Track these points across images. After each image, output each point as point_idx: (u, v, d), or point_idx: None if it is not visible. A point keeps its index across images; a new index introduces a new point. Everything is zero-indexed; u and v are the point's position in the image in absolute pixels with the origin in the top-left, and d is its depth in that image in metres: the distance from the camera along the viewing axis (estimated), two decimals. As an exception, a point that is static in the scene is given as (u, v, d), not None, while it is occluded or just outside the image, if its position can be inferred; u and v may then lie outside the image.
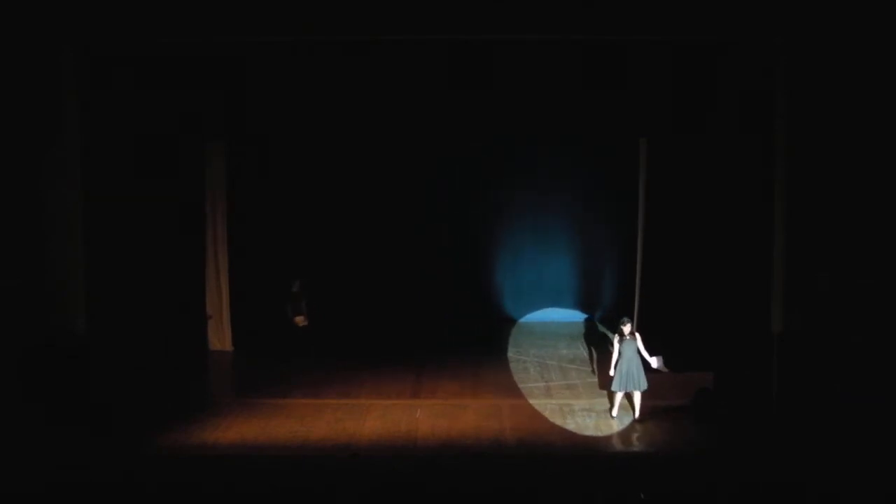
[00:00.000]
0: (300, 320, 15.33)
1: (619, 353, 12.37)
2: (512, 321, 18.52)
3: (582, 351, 16.38)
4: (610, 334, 12.49)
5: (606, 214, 18.05)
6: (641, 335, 12.50)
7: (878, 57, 11.73)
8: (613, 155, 16.65)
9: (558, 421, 12.55)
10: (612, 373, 12.40)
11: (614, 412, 12.63)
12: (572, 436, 12.06)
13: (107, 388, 12.40)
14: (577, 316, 18.51)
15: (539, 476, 10.65)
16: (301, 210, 17.20)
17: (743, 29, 11.98)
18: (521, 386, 14.28)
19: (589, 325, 18.08)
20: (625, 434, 12.14)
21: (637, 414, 12.53)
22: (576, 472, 10.89)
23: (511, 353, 16.33)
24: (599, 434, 12.12)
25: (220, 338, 16.37)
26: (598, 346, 16.08)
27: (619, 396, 12.57)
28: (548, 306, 18.67)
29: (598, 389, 13.88)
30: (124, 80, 12.68)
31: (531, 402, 13.40)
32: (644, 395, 12.48)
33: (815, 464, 10.60)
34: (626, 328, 12.47)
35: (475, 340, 16.95)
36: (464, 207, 18.24)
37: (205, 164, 15.21)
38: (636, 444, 11.90)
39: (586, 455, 11.48)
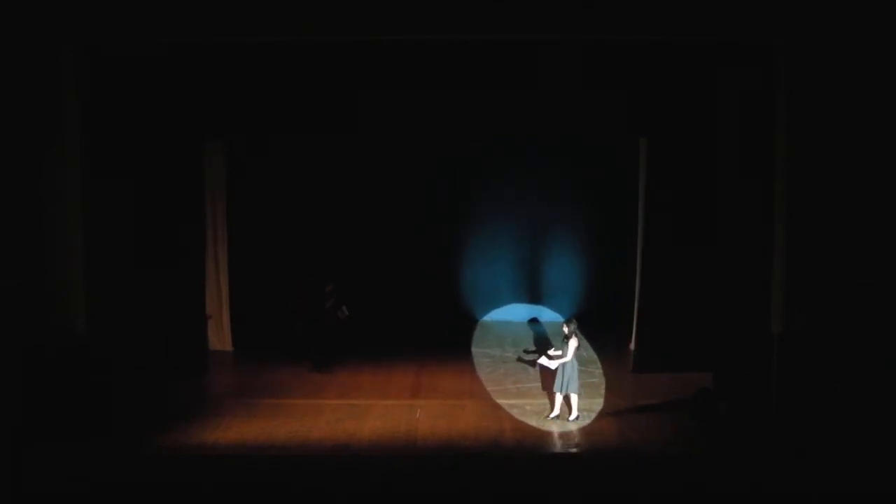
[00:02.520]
0: (341, 314, 15.28)
1: (562, 354, 12.39)
2: (511, 321, 18.50)
3: (581, 351, 16.31)
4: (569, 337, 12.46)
5: (606, 214, 18.05)
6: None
7: (878, 57, 11.74)
8: (613, 155, 16.68)
9: (557, 421, 12.53)
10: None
11: (553, 413, 12.53)
12: (571, 436, 12.06)
13: (107, 388, 12.39)
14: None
15: (539, 476, 10.66)
16: (301, 210, 17.21)
17: (743, 29, 11.97)
18: (520, 386, 14.28)
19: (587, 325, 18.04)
20: (624, 434, 12.12)
21: (571, 416, 12.40)
22: (576, 472, 10.90)
23: (511, 353, 16.32)
24: (598, 434, 12.11)
25: (220, 338, 16.37)
26: (594, 346, 16.09)
27: (558, 397, 12.52)
28: (547, 306, 18.66)
29: (597, 390, 13.88)
30: (124, 79, 12.67)
31: (530, 402, 13.39)
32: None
33: (815, 464, 10.60)
34: (566, 329, 12.44)
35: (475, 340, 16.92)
36: (464, 207, 18.24)
37: (205, 164, 15.21)
38: (635, 444, 11.89)
39: (586, 455, 11.48)
